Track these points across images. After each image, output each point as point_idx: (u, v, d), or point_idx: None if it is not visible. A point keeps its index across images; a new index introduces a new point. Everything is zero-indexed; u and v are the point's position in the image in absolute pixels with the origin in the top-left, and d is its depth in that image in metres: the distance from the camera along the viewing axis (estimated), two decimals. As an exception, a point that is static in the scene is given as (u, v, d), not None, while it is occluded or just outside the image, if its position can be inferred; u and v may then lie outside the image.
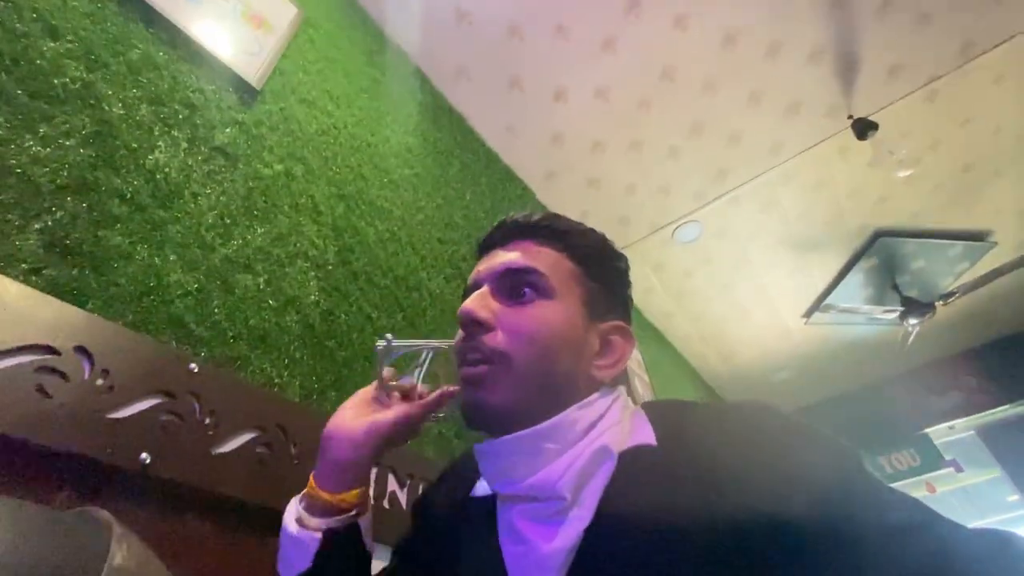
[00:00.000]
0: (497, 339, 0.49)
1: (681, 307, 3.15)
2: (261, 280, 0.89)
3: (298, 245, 1.00)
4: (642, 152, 2.30)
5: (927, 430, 3.59)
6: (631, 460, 0.46)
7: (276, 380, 0.82)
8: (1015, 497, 3.42)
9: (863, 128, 2.12)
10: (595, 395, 0.50)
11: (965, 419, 3.46)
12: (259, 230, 0.94)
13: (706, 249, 2.80)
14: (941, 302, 2.91)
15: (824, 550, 0.36)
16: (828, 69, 2.04)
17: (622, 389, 0.55)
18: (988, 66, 2.11)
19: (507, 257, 0.54)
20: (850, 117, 2.18)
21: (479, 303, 0.51)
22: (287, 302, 0.92)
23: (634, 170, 2.37)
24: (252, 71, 1.11)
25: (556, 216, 0.57)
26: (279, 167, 1.06)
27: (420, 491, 0.67)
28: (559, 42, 1.90)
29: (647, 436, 0.48)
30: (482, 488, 0.55)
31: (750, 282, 3.02)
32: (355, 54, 1.55)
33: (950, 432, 3.57)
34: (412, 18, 1.81)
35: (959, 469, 3.56)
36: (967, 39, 2.02)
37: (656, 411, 0.52)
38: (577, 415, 0.48)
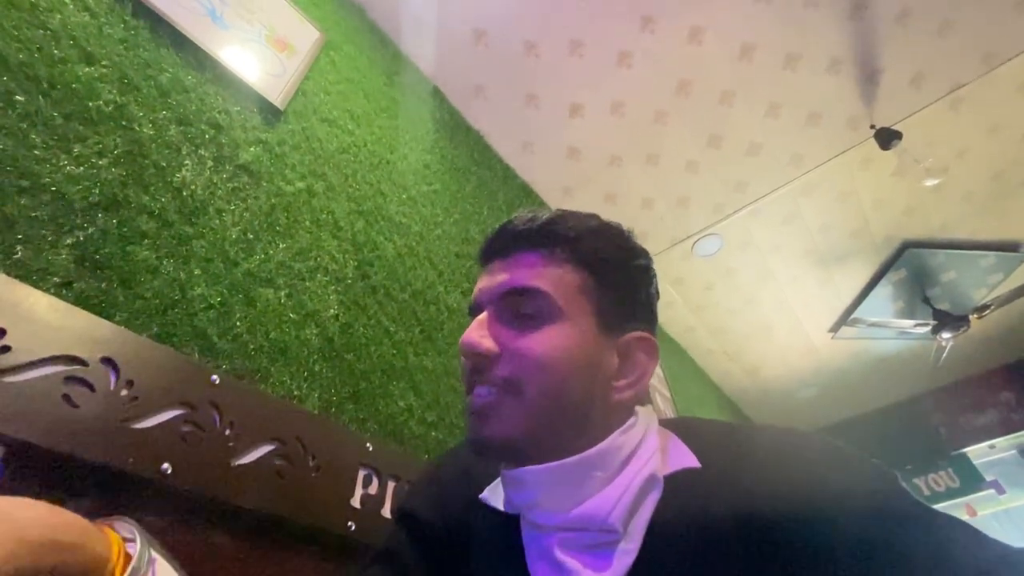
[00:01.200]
0: (504, 369, 0.46)
1: (703, 321, 3.10)
2: (282, 294, 0.90)
3: (318, 260, 1.02)
4: (659, 165, 2.29)
5: (965, 449, 3.43)
6: (678, 485, 0.44)
7: (295, 392, 0.83)
8: (1063, 522, 3.23)
9: (887, 138, 2.08)
10: (632, 419, 0.48)
11: (1006, 437, 3.31)
12: (281, 245, 0.96)
13: (727, 262, 2.77)
14: (975, 315, 2.81)
15: (876, 571, 0.36)
16: (848, 79, 2.01)
17: (651, 407, 0.53)
18: (1012, 74, 2.06)
19: (507, 276, 0.49)
20: (872, 127, 2.14)
21: (480, 333, 0.47)
22: (307, 315, 0.93)
23: (652, 184, 2.36)
24: (276, 92, 1.15)
25: (562, 217, 0.51)
26: (301, 184, 1.08)
27: (405, 499, 0.62)
28: (574, 58, 1.92)
29: (688, 458, 0.46)
30: (491, 496, 0.52)
31: (774, 296, 2.96)
32: (375, 75, 1.59)
33: (990, 451, 3.41)
34: (430, 39, 1.86)
35: (1001, 491, 3.39)
36: (990, 47, 1.98)
37: (688, 430, 0.50)
38: (621, 440, 0.45)
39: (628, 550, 0.41)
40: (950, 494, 3.41)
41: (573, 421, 0.46)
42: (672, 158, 2.27)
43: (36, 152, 0.69)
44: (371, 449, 0.85)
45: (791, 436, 0.47)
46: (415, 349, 1.13)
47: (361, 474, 0.82)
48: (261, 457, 0.71)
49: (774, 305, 3.04)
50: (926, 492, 3.48)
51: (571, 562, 0.42)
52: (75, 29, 0.82)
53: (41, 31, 0.77)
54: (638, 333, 0.50)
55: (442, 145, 1.78)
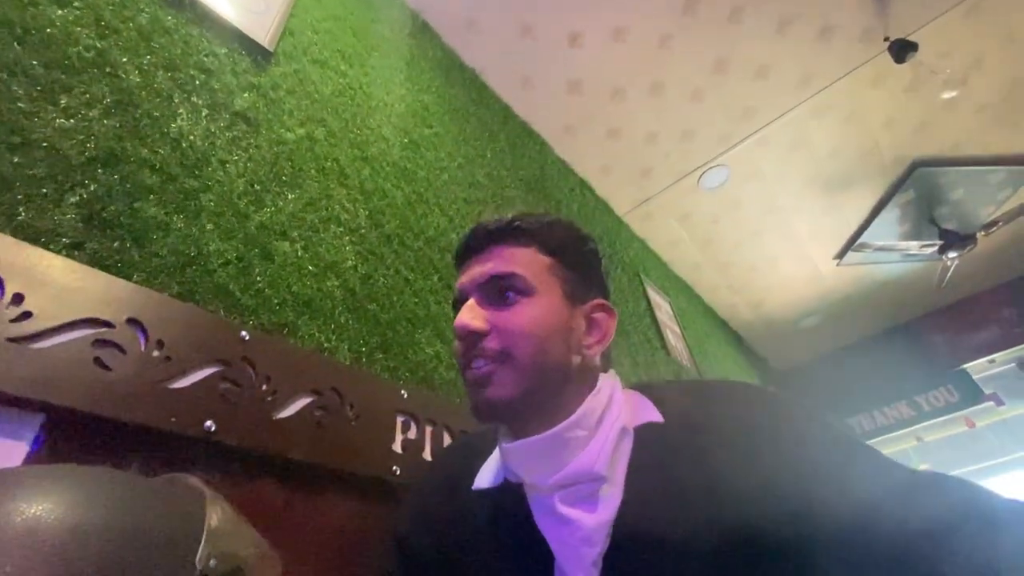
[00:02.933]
0: (494, 341, 0.53)
1: (708, 257, 3.08)
2: (298, 246, 0.87)
3: (330, 210, 0.98)
4: (664, 96, 2.19)
5: (965, 365, 3.51)
6: (646, 436, 0.53)
7: (326, 344, 0.81)
8: (1054, 428, 3.35)
9: (902, 49, 1.98)
10: (600, 382, 0.56)
11: (1005, 352, 3.37)
12: (290, 196, 0.91)
13: (734, 194, 2.71)
14: (983, 232, 2.79)
15: (819, 512, 0.43)
16: (863, -13, 1.89)
17: (614, 372, 0.61)
18: (1037, -29, 1.94)
19: (486, 266, 0.57)
20: (886, 39, 2.04)
21: (470, 315, 0.54)
22: (326, 267, 0.90)
23: (656, 116, 2.27)
24: (263, 32, 1.06)
25: (524, 215, 0.60)
26: (301, 131, 1.02)
27: (395, 524, 0.69)
28: (572, -19, 1.79)
29: (653, 414, 0.54)
30: (487, 479, 0.59)
31: (780, 225, 2.93)
32: (360, 10, 1.48)
33: (990, 366, 3.49)
34: (416, -32, 1.72)
35: (999, 403, 3.49)
36: (1015, -59, 1.85)
37: (652, 391, 0.58)
38: (595, 402, 0.53)
39: (613, 493, 0.49)
40: (949, 408, 3.51)
41: (557, 378, 0.54)
42: (677, 87, 2.17)
43: (21, 105, 0.64)
44: (406, 396, 0.85)
45: (741, 391, 0.55)
46: (435, 297, 1.11)
47: (399, 420, 0.82)
48: (301, 409, 0.70)
49: (780, 235, 3.01)
50: (926, 408, 3.59)
51: (571, 512, 0.49)
52: (39, -34, 0.74)
53: (2, -31, 0.70)
54: (597, 300, 0.60)
55: (438, 84, 1.69)
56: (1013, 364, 3.49)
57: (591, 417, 0.52)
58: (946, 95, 2.05)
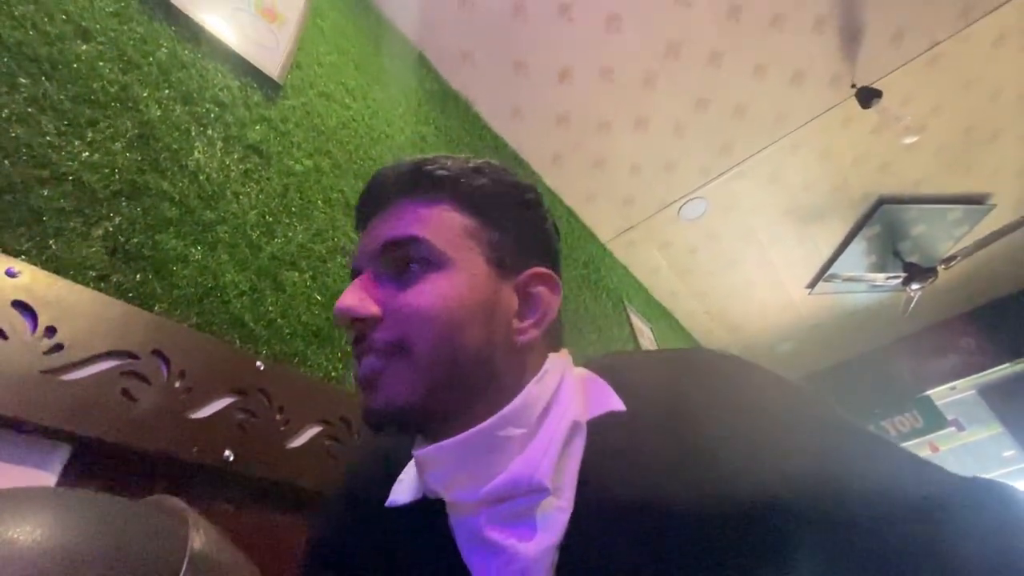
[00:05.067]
0: (386, 331, 0.41)
1: (687, 285, 3.18)
2: (307, 276, 0.89)
3: (335, 240, 1.01)
4: (648, 130, 2.29)
5: (929, 392, 3.67)
6: (603, 431, 0.40)
7: (332, 374, 0.83)
8: (1011, 452, 3.52)
9: (867, 96, 2.13)
10: (545, 366, 0.44)
11: (966, 379, 3.54)
12: (299, 227, 0.94)
13: (712, 225, 2.82)
14: (943, 266, 2.96)
15: (815, 508, 0.33)
16: (832, 37, 2.04)
17: (566, 351, 0.48)
18: (988, 29, 2.12)
19: (382, 230, 0.44)
20: (853, 86, 2.18)
21: (356, 296, 0.41)
22: (332, 297, 0.92)
23: (640, 149, 2.37)
24: (273, 65, 1.10)
25: (435, 159, 0.46)
26: (308, 163, 1.06)
27: (310, 528, 0.58)
28: (563, 22, 1.88)
29: (612, 400, 0.42)
30: (403, 494, 0.45)
31: (755, 256, 3.05)
32: (362, 43, 1.53)
33: (952, 392, 3.66)
34: (414, 2, 1.79)
35: (961, 428, 3.66)
36: (968, 2, 2.02)
37: (614, 371, 0.45)
38: (537, 391, 0.41)
39: (561, 507, 0.37)
40: (915, 433, 3.66)
41: (476, 373, 0.41)
42: (660, 122, 2.27)
43: (49, 139, 0.66)
44: (409, 425, 0.87)
45: (716, 364, 0.43)
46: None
47: (403, 449, 0.84)
48: (312, 439, 0.72)
49: (755, 265, 3.13)
50: (893, 433, 3.73)
51: (503, 538, 0.37)
52: (66, 3, 0.77)
53: (32, 6, 0.72)
54: (536, 269, 0.46)
55: (434, 116, 1.74)
56: (973, 391, 3.67)
57: (531, 410, 0.40)
58: (907, 140, 2.20)
